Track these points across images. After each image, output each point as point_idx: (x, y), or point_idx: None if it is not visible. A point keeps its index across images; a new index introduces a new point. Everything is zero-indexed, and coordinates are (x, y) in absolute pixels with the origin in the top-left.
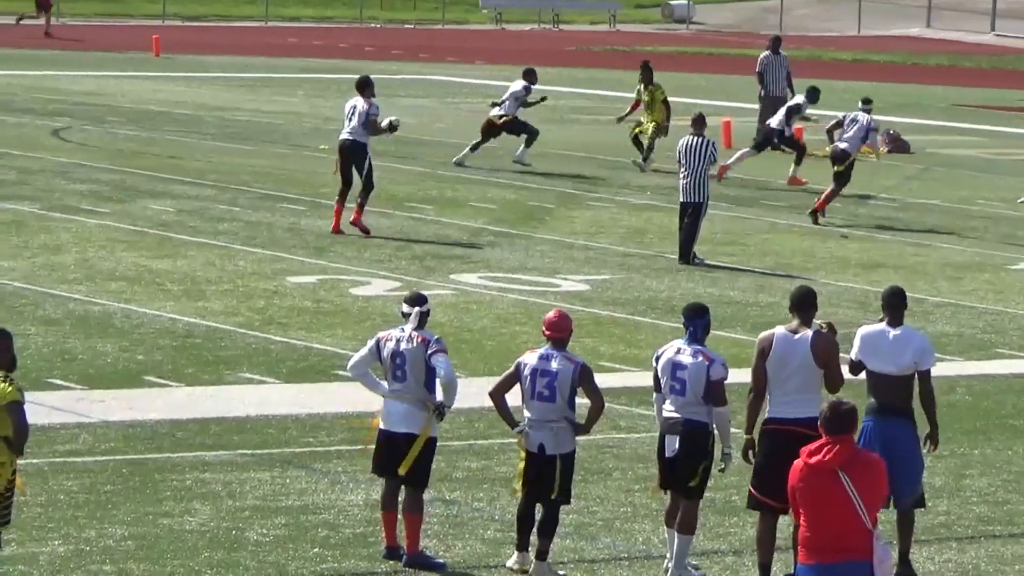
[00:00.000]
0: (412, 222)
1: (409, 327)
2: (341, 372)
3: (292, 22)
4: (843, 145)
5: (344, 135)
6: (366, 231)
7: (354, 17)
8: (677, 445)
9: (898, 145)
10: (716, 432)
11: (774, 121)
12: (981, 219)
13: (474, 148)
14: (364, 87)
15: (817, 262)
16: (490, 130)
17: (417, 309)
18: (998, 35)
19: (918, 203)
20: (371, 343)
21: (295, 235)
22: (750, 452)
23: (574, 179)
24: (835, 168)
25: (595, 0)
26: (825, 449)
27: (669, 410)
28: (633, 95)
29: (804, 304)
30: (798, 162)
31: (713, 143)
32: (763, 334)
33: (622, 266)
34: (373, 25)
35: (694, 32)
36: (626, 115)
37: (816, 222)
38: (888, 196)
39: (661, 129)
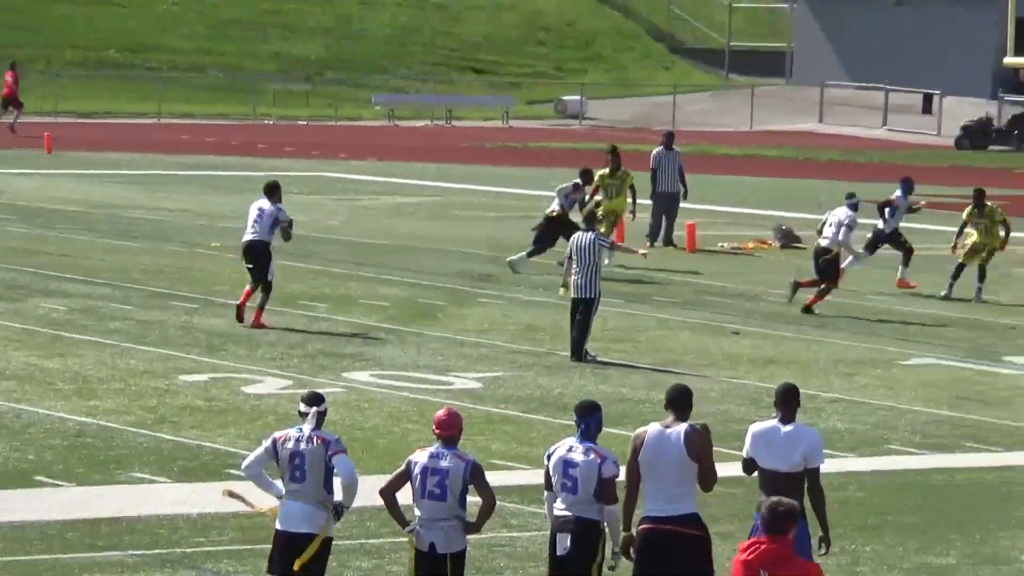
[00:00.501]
0: (305, 320)
1: (307, 427)
2: (234, 471)
3: (185, 119)
4: (824, 242)
5: (248, 236)
6: (263, 327)
7: (247, 114)
8: (568, 543)
9: (791, 240)
10: (607, 530)
11: (882, 224)
12: (874, 314)
13: (531, 254)
14: (272, 191)
15: (709, 358)
16: (547, 229)
17: (315, 409)
18: (890, 130)
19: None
20: (267, 443)
21: (187, 333)
22: (630, 548)
23: (466, 276)
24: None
25: (488, 96)
26: (753, 548)
27: (560, 508)
28: (593, 181)
29: (679, 401)
30: (906, 263)
31: (600, 237)
32: (637, 431)
33: (514, 363)
34: (266, 122)
35: (587, 128)
36: (588, 204)
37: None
38: (780, 292)
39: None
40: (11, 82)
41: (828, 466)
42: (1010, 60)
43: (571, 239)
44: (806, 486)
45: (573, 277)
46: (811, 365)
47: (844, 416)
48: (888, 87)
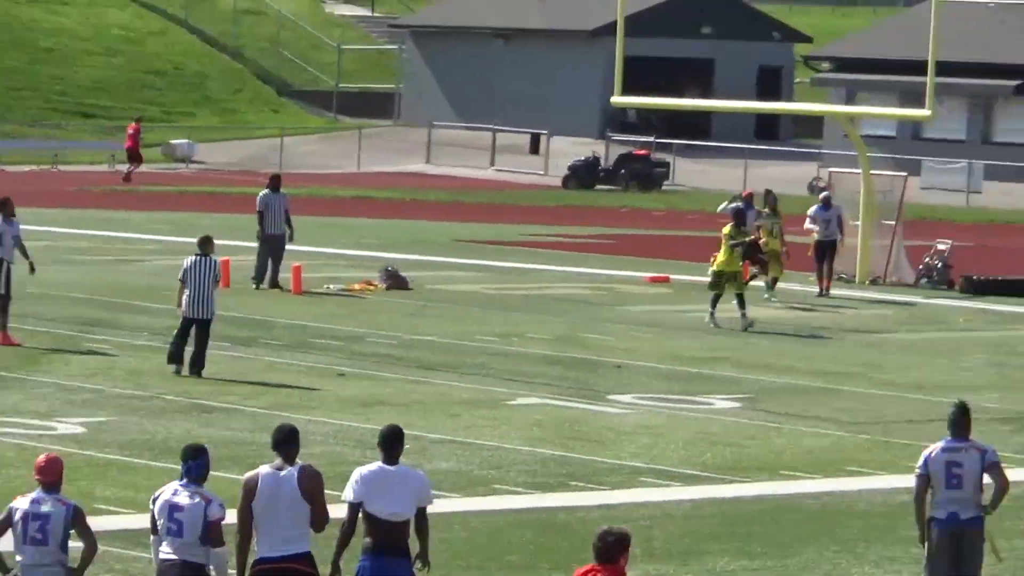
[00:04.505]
0: None
1: None
2: None
3: None
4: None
5: None
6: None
7: None
8: None
9: (398, 282)
10: (213, 573)
11: None
12: (481, 355)
13: None
14: (2, 206)
15: (318, 400)
16: None
17: None
18: (498, 170)
19: (418, 339)
20: None
21: None
22: None
23: (73, 321)
24: None
25: (94, 141)
26: (589, 575)
27: (166, 552)
28: None
29: (285, 441)
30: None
31: (216, 262)
32: (248, 475)
33: (119, 408)
34: None
35: (195, 171)
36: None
37: None
38: (388, 333)
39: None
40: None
41: (435, 507)
42: (618, 99)
43: (184, 261)
44: (414, 523)
45: (185, 297)
46: (417, 406)
47: (451, 457)
48: (496, 127)
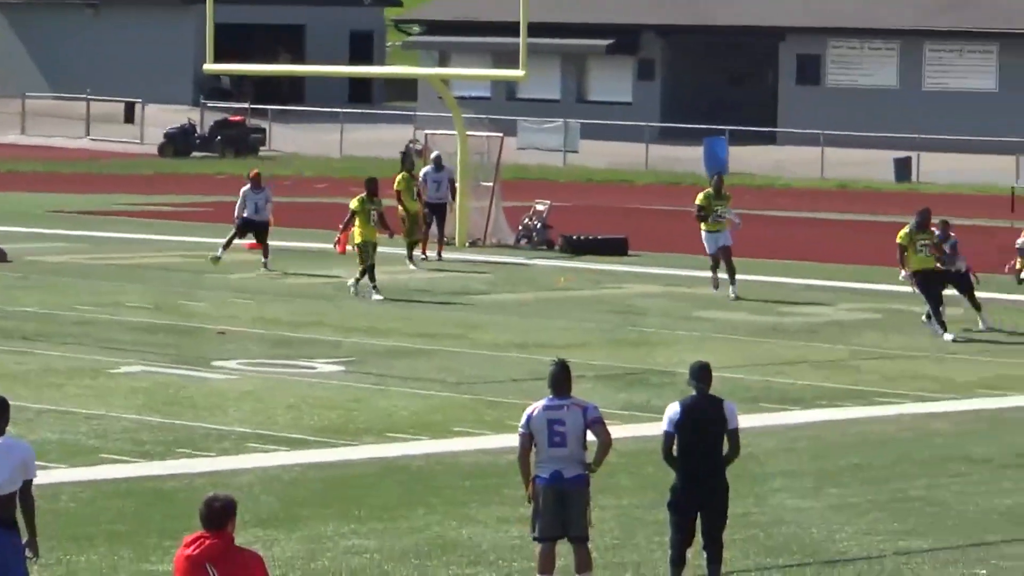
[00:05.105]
0: None
1: None
2: None
3: None
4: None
5: None
6: None
7: None
8: None
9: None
10: None
11: None
12: (80, 324)
13: None
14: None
15: None
16: None
17: None
18: (93, 139)
19: (18, 311)
20: None
21: None
22: None
23: None
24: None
25: None
26: (198, 543)
27: None
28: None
29: None
30: None
31: None
32: None
33: None
34: None
35: None
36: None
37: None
38: None
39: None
40: None
41: (42, 478)
42: (210, 67)
43: None
44: (19, 500)
45: None
46: (20, 377)
47: (55, 427)
48: (90, 97)
